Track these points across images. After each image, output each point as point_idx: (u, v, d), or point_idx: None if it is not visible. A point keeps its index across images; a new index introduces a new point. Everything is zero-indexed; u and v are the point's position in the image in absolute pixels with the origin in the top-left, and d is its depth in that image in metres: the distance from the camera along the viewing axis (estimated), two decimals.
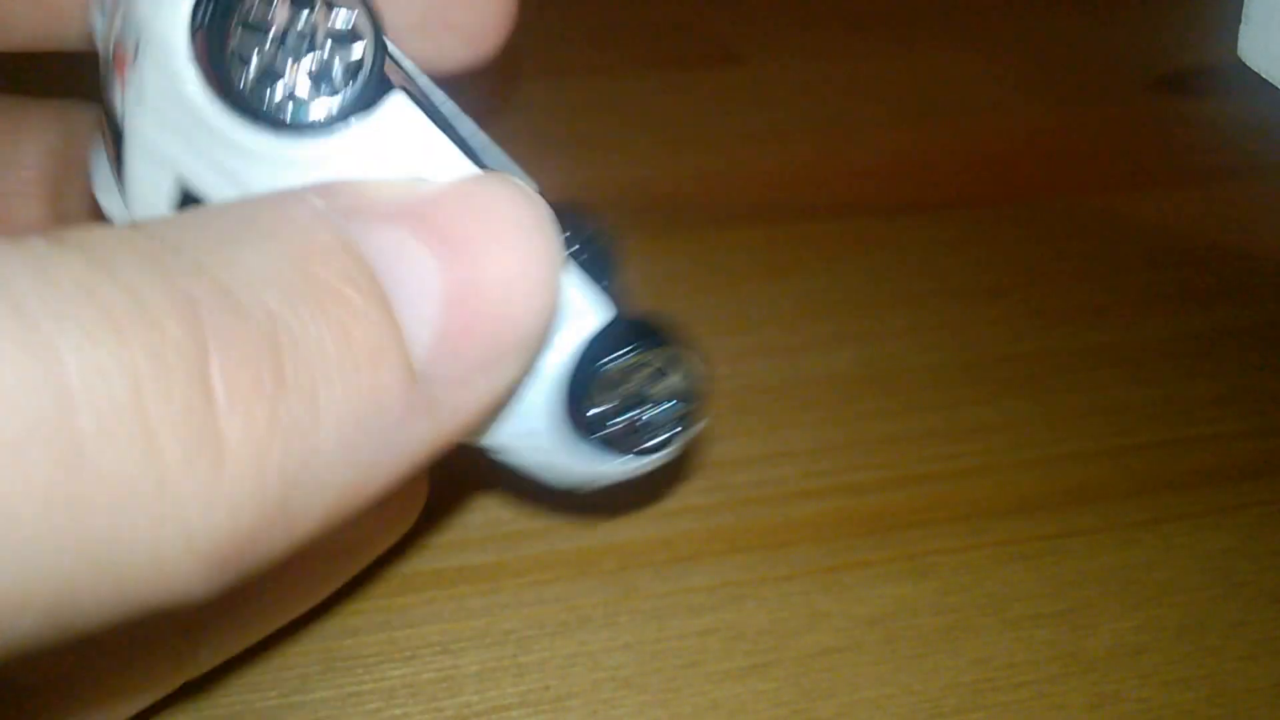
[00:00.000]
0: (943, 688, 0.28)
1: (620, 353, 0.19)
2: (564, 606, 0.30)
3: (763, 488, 0.34)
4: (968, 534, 0.33)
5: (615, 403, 0.20)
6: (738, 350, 0.40)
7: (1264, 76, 0.36)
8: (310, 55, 0.16)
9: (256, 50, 0.16)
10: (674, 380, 0.21)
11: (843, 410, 0.37)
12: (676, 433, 0.22)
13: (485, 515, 0.33)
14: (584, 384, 0.19)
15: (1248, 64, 0.36)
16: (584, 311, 0.19)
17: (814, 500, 0.34)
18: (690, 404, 0.22)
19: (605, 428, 0.20)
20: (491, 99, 0.49)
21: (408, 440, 0.16)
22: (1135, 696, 0.28)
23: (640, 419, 0.21)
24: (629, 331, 0.19)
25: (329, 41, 0.16)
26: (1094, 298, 0.44)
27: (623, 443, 0.21)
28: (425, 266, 0.15)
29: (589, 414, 0.20)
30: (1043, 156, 0.54)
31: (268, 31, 0.16)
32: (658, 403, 0.21)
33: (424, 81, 0.21)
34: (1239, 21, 0.36)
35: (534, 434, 0.19)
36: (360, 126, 0.16)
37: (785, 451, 0.36)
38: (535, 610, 0.30)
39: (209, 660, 0.25)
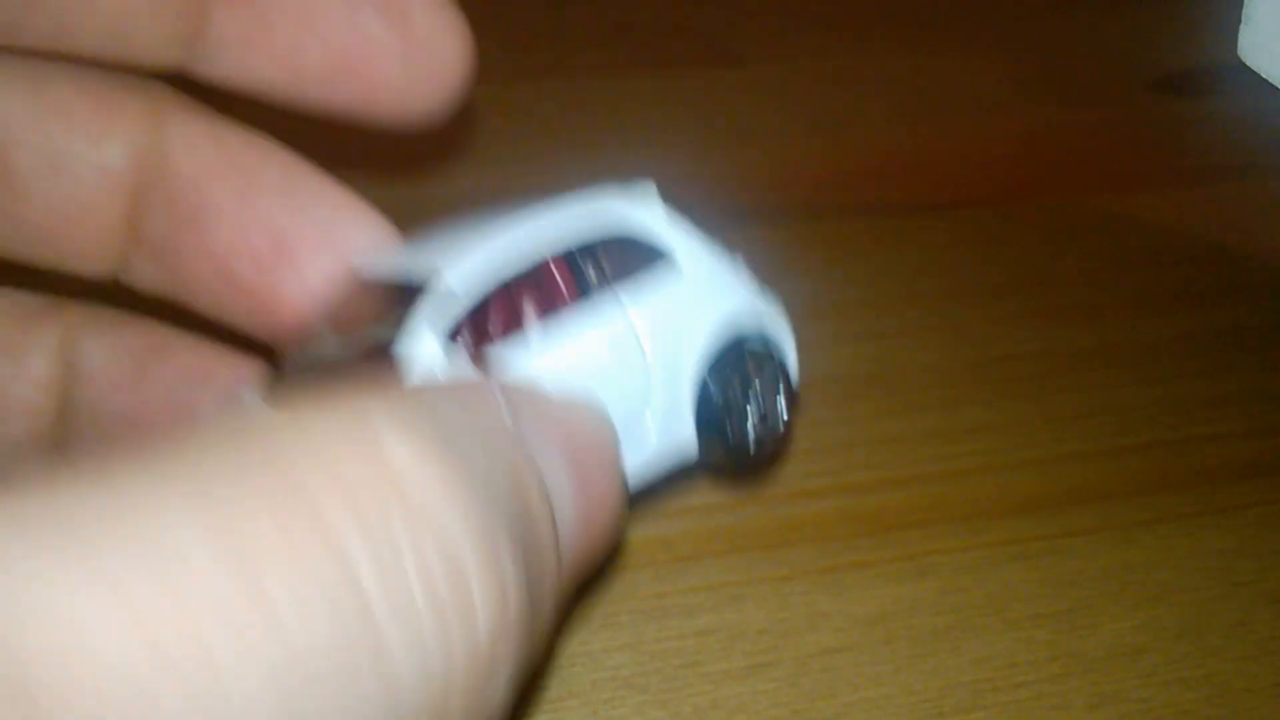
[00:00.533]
0: (943, 687, 0.28)
1: None
2: None
3: (762, 488, 0.34)
4: (967, 534, 0.33)
5: None
6: None
7: (1264, 77, 0.36)
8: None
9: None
10: None
11: (842, 410, 0.37)
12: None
13: None
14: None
15: (1248, 64, 0.37)
16: None
17: (813, 500, 0.34)
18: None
19: None
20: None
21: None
22: (1135, 696, 0.28)
23: None
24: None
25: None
26: (1094, 298, 0.44)
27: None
28: (567, 485, 0.18)
29: None
30: (1043, 157, 0.55)
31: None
32: None
33: None
34: (1239, 22, 0.37)
35: None
36: None
37: (785, 451, 0.36)
38: None
39: None
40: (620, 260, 0.23)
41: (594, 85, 0.60)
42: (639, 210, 0.24)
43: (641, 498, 0.24)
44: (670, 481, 0.24)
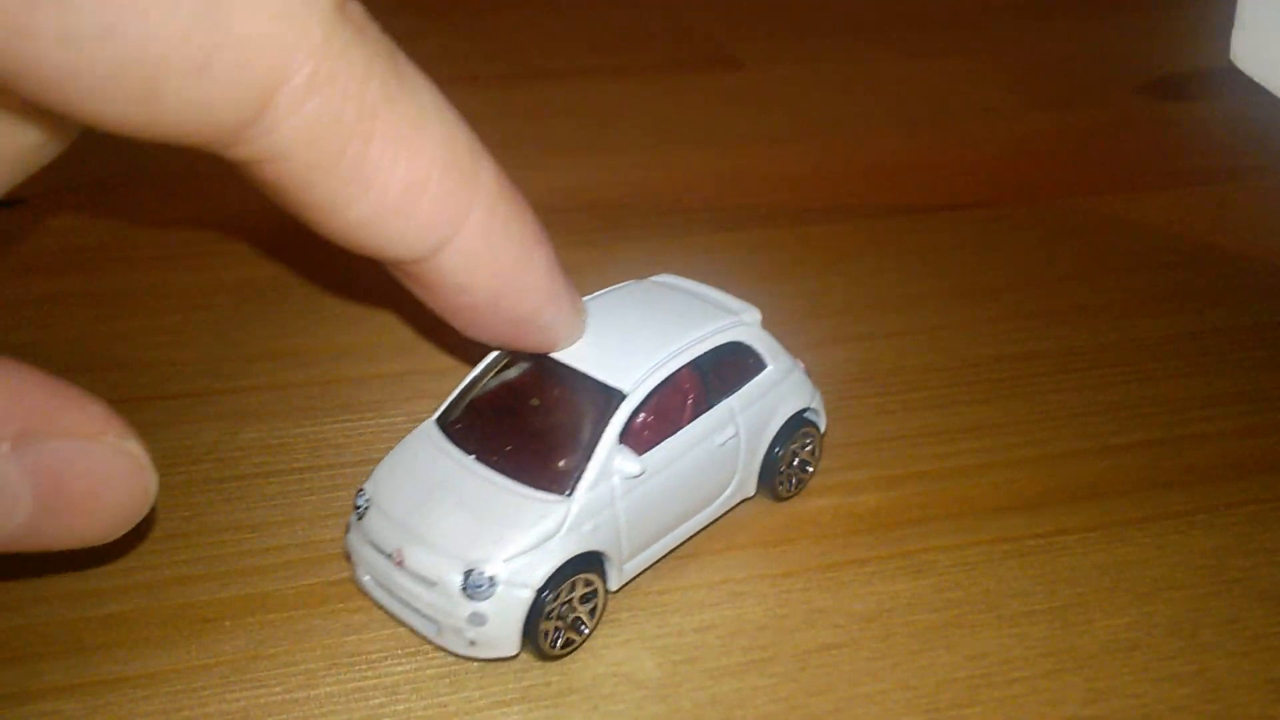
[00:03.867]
0: (939, 683, 0.29)
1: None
2: None
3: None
4: (963, 532, 0.33)
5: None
6: None
7: (1256, 80, 0.37)
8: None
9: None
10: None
11: (840, 409, 0.38)
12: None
13: None
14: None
15: (1240, 68, 0.37)
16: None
17: (811, 499, 0.34)
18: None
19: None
20: None
21: None
22: (1129, 692, 0.28)
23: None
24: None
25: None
26: (1087, 298, 0.44)
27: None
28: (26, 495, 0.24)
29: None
30: (1037, 159, 0.55)
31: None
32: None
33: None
34: (1231, 26, 0.37)
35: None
36: None
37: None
38: None
39: None
40: (733, 368, 0.32)
41: (595, 89, 0.60)
42: (747, 331, 0.32)
43: (713, 523, 0.32)
44: (730, 508, 0.33)
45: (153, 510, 0.27)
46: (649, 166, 0.53)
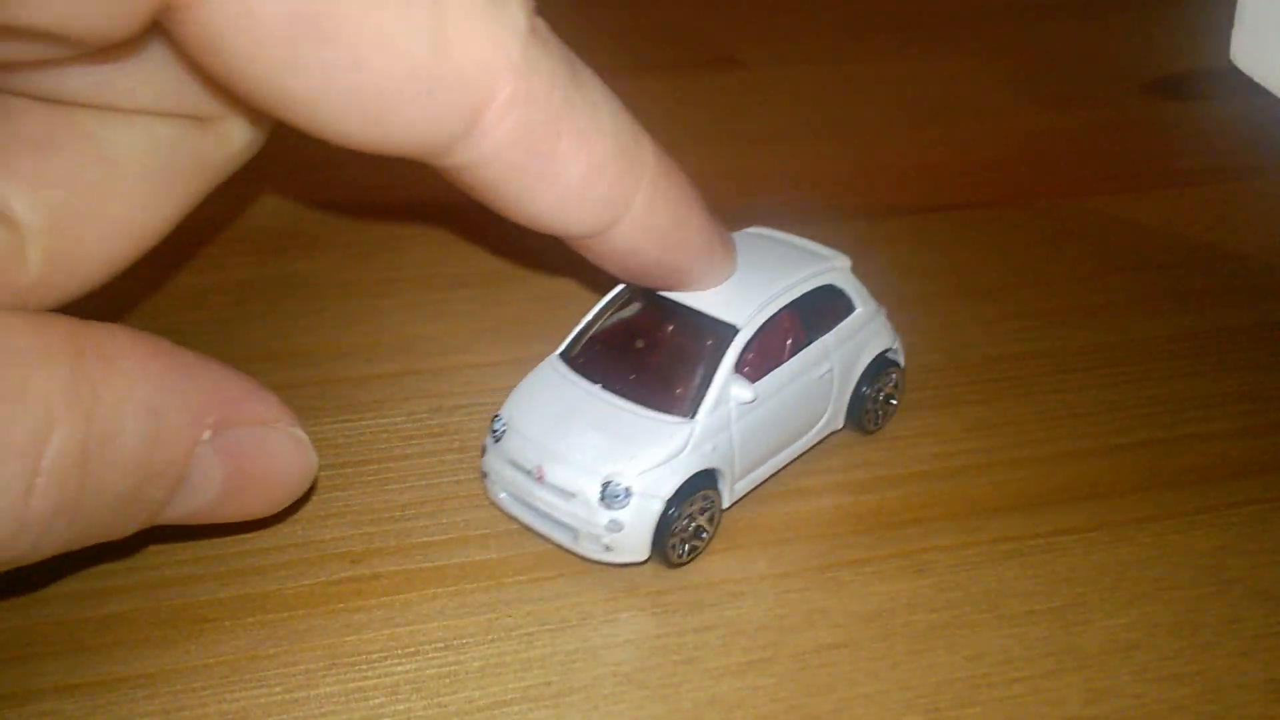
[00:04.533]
0: (939, 683, 0.29)
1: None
2: (566, 603, 0.31)
3: (761, 485, 0.35)
4: (964, 532, 0.33)
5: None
6: None
7: (1256, 80, 0.37)
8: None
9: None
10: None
11: None
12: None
13: (488, 513, 0.33)
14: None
15: (1240, 68, 0.37)
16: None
17: (811, 498, 0.34)
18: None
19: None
20: None
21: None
22: (1129, 692, 0.28)
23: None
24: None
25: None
26: (1088, 298, 0.44)
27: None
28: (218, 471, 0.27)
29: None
30: (1037, 159, 0.55)
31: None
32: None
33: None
34: (1231, 26, 0.37)
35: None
36: None
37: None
38: (537, 607, 0.31)
39: None
40: (827, 309, 0.35)
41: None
42: (839, 275, 0.35)
43: (802, 453, 0.35)
44: (822, 439, 0.36)
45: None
46: None
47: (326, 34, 0.23)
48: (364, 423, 0.37)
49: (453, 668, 0.29)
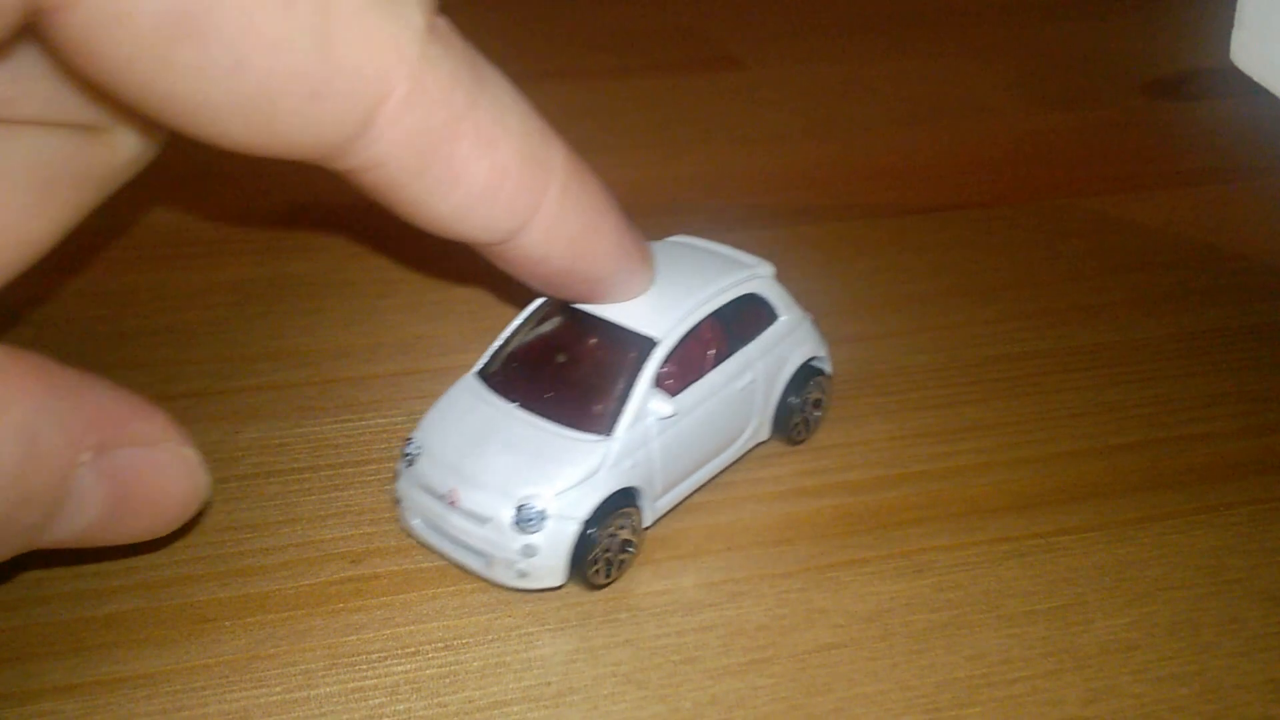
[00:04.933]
0: (939, 683, 0.29)
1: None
2: (566, 603, 0.31)
3: (760, 486, 0.35)
4: (963, 532, 0.33)
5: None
6: None
7: (1256, 80, 0.37)
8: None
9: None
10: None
11: (839, 409, 0.38)
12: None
13: None
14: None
15: (1240, 68, 0.37)
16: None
17: (811, 498, 0.34)
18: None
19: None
20: None
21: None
22: (1129, 692, 0.28)
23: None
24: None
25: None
26: (1088, 298, 0.44)
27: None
28: (99, 491, 0.26)
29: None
30: (1037, 159, 0.55)
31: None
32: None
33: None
34: (1231, 26, 0.37)
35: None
36: None
37: (783, 450, 0.36)
38: (537, 607, 0.31)
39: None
40: (750, 318, 0.34)
41: (596, 89, 0.60)
42: (762, 283, 0.35)
43: (731, 466, 0.34)
44: (747, 450, 0.35)
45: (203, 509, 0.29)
46: (649, 166, 0.53)
47: (205, 34, 0.22)
48: (364, 423, 0.37)
49: (453, 668, 0.29)
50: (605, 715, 0.28)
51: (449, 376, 0.38)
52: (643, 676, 0.29)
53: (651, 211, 0.49)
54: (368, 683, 0.28)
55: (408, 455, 0.32)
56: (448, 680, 0.29)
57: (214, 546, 0.32)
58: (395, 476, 0.32)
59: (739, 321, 0.34)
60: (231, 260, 0.46)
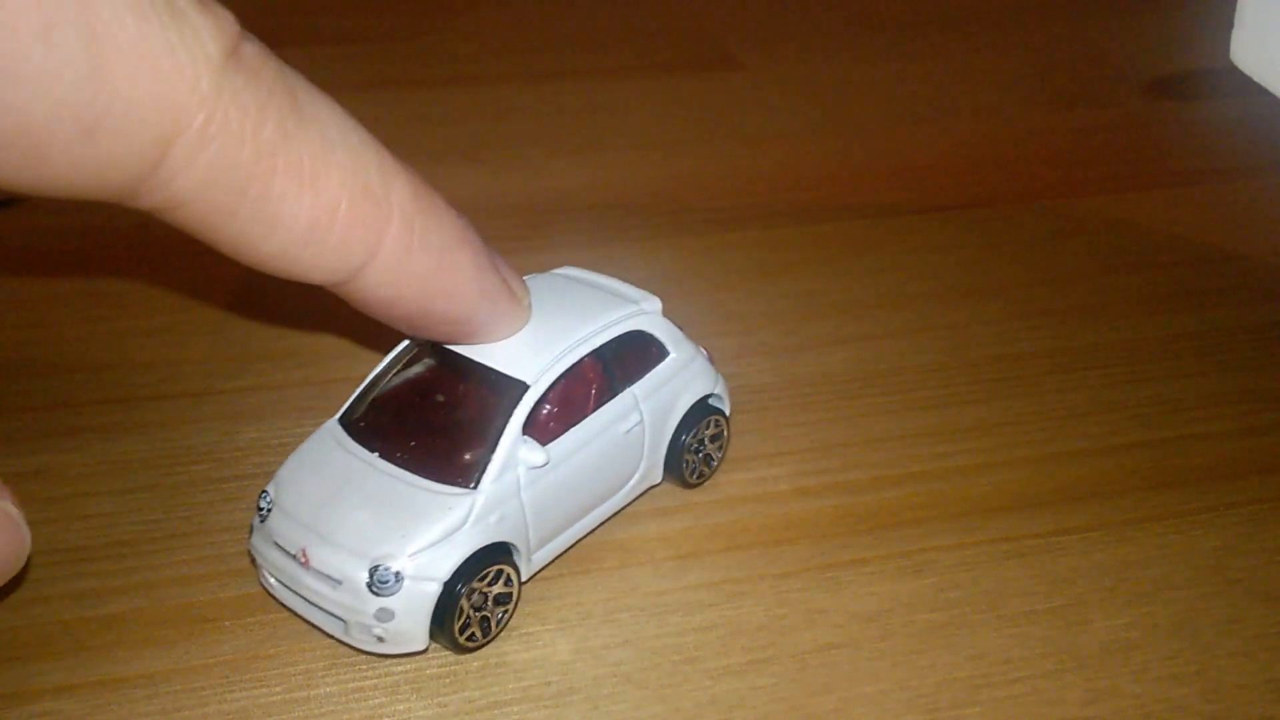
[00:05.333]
0: (939, 683, 0.29)
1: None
2: (566, 603, 0.31)
3: (761, 485, 0.35)
4: (963, 532, 0.33)
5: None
6: (736, 349, 0.40)
7: (1256, 80, 0.37)
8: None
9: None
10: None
11: (840, 409, 0.38)
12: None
13: None
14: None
15: (1240, 68, 0.37)
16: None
17: (812, 498, 0.34)
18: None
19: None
20: None
21: None
22: (1129, 692, 0.28)
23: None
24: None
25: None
26: (1088, 298, 0.44)
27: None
28: None
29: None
30: (1038, 159, 0.55)
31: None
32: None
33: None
34: (1231, 26, 0.37)
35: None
36: None
37: (783, 450, 0.36)
38: (537, 606, 0.31)
39: None
40: (636, 356, 0.32)
41: (595, 89, 0.60)
42: (648, 319, 0.33)
43: (620, 511, 0.33)
44: (637, 496, 0.33)
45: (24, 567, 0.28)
46: (649, 166, 0.53)
47: None
48: None
49: (453, 668, 0.29)
50: (605, 715, 0.28)
51: None
52: (642, 676, 0.29)
53: (651, 212, 0.49)
54: (368, 682, 0.28)
55: (261, 510, 0.30)
56: (448, 680, 0.29)
57: (214, 546, 0.32)
58: (249, 533, 0.30)
59: (622, 360, 0.32)
60: (231, 260, 0.45)
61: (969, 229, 0.49)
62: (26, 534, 0.26)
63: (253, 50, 0.24)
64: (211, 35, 0.23)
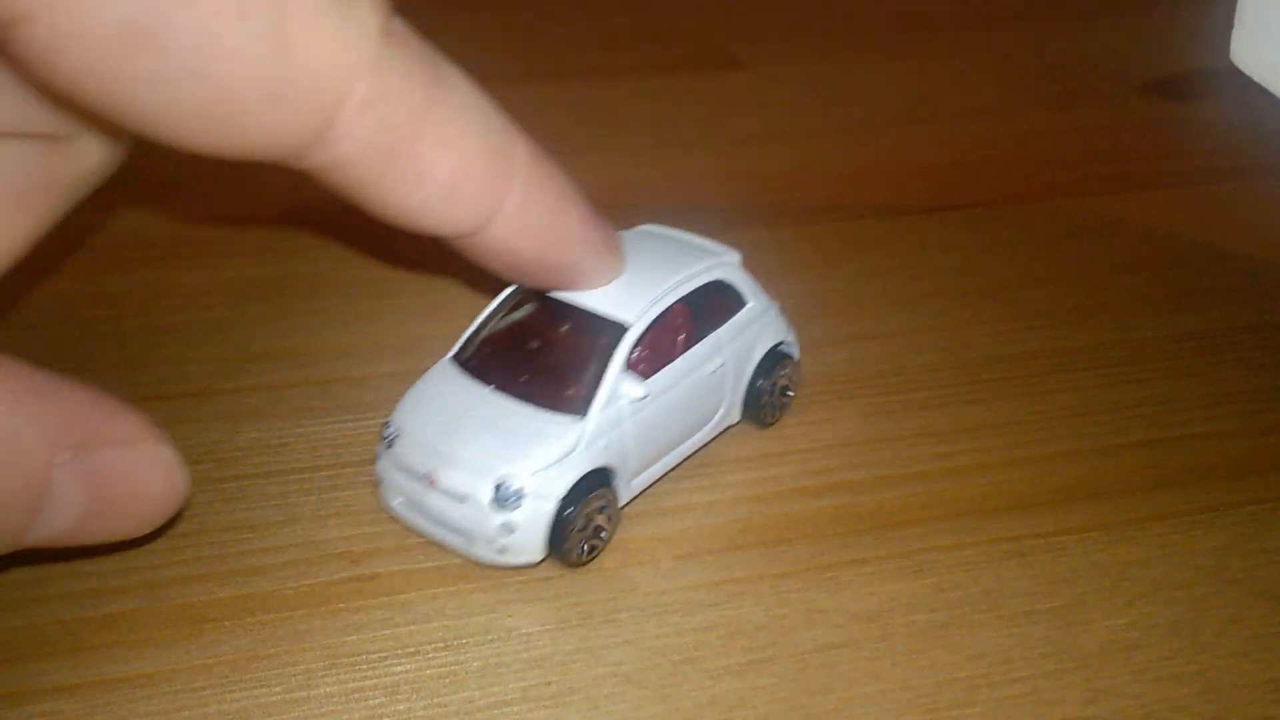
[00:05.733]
0: (938, 683, 0.29)
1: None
2: (566, 603, 0.31)
3: (761, 486, 0.35)
4: (963, 532, 0.33)
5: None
6: None
7: (1256, 80, 0.37)
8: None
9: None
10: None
11: (838, 409, 0.38)
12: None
13: None
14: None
15: (1240, 68, 0.37)
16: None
17: (811, 498, 0.34)
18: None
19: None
20: None
21: None
22: (1129, 692, 0.28)
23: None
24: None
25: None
26: (1087, 298, 0.44)
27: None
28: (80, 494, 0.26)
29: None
30: (1036, 159, 0.55)
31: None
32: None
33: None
34: (1231, 26, 0.37)
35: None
36: None
37: (783, 450, 0.36)
38: (538, 606, 0.31)
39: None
40: (719, 305, 0.35)
41: (596, 89, 0.60)
42: (730, 270, 0.35)
43: (703, 447, 0.35)
44: (719, 434, 0.36)
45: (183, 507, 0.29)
46: (649, 166, 0.53)
47: (162, 46, 0.23)
48: (364, 423, 0.37)
49: (453, 668, 0.29)
50: (605, 715, 0.28)
51: None
52: (643, 676, 0.29)
53: (651, 212, 0.49)
54: (368, 683, 0.28)
55: (386, 437, 0.32)
56: (448, 680, 0.29)
57: (214, 546, 0.32)
58: (375, 458, 0.32)
59: (708, 307, 0.34)
60: (231, 260, 0.46)
61: (969, 229, 0.49)
62: (183, 476, 0.28)
63: (400, 25, 0.26)
64: (371, 12, 0.25)
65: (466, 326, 0.35)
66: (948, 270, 0.46)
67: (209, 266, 0.45)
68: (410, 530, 0.32)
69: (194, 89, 0.23)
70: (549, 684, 0.28)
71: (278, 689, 0.28)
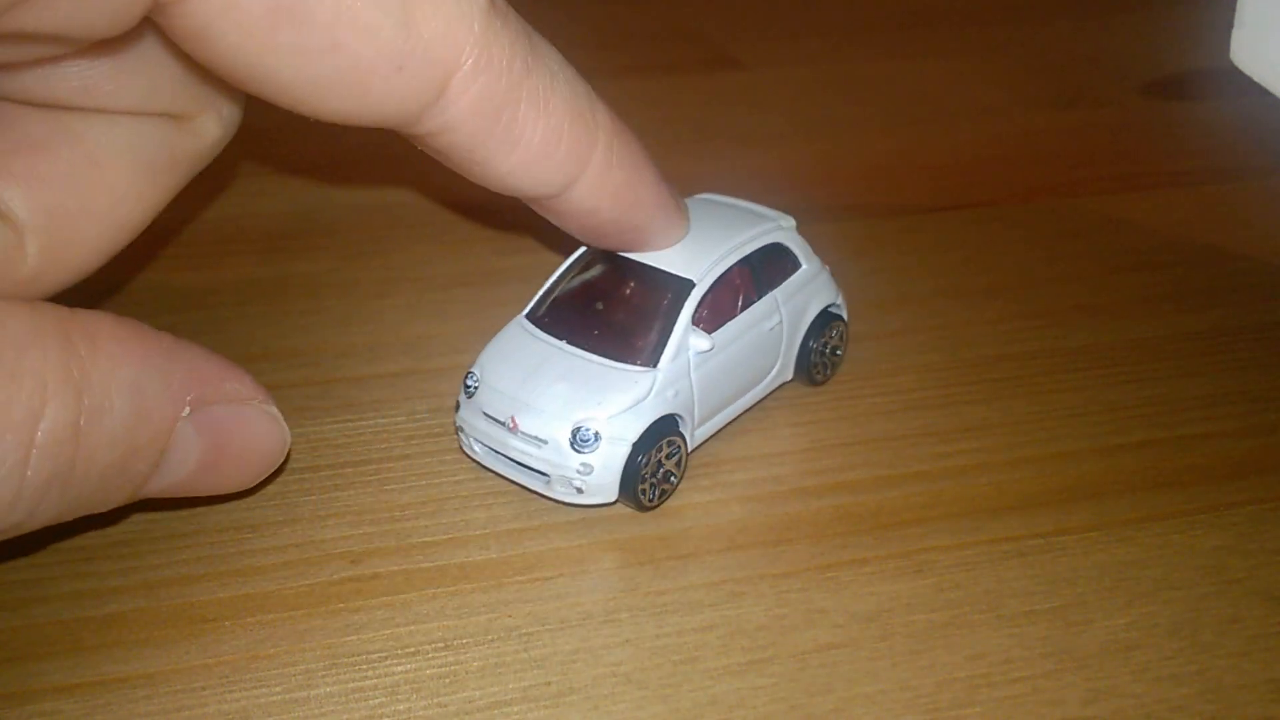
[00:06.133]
0: (938, 683, 0.29)
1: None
2: (566, 603, 0.31)
3: (761, 485, 0.35)
4: (963, 532, 0.33)
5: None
6: None
7: (1256, 80, 0.37)
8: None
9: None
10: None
11: (840, 409, 0.38)
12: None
13: (488, 513, 0.33)
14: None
15: (1240, 68, 0.37)
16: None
17: (811, 498, 0.34)
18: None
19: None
20: None
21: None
22: (1129, 692, 0.28)
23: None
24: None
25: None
26: (1088, 298, 0.44)
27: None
28: (196, 447, 0.29)
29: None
30: (1037, 159, 0.55)
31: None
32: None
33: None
34: (1231, 26, 0.37)
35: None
36: None
37: (783, 450, 0.36)
38: (537, 606, 0.31)
39: None
40: (776, 266, 0.37)
41: (595, 89, 0.60)
42: (785, 234, 0.38)
43: (753, 405, 0.37)
44: (773, 390, 0.38)
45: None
46: None
47: (304, 20, 0.25)
48: (364, 423, 0.37)
49: (453, 668, 0.29)
50: (605, 715, 0.28)
51: (449, 376, 0.39)
52: (642, 676, 0.29)
53: None
54: (368, 683, 0.28)
55: (469, 387, 0.34)
56: (448, 680, 0.29)
57: (214, 546, 0.32)
58: (456, 408, 0.34)
59: (765, 268, 0.36)
60: (231, 260, 0.46)
61: (969, 229, 0.49)
62: (286, 434, 0.31)
63: (502, 1, 0.29)
64: None
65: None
66: (948, 270, 0.46)
67: (209, 266, 0.45)
68: (489, 475, 0.34)
69: (330, 60, 0.26)
70: (549, 684, 0.28)
71: (278, 689, 0.28)
